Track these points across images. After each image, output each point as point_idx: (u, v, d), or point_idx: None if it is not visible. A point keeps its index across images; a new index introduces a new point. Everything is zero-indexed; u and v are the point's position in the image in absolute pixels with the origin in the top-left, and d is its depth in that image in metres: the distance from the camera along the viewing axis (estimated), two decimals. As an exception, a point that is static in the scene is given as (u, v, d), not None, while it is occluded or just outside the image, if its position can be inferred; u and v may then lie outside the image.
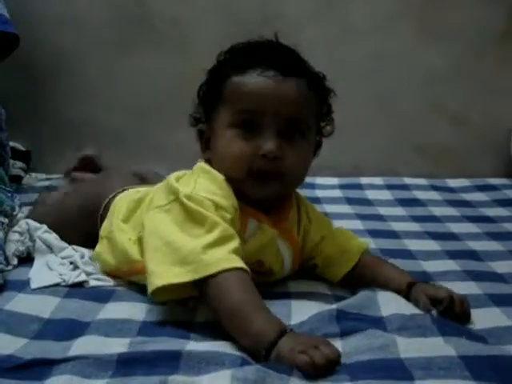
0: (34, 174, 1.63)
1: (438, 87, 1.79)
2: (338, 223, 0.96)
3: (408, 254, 1.07)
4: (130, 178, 1.10)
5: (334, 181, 1.66)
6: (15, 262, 0.95)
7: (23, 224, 1.01)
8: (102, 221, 0.97)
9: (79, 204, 1.03)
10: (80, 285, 0.88)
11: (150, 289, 0.73)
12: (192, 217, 0.76)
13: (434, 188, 1.63)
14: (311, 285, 0.90)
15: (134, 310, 0.77)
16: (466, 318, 0.78)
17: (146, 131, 1.77)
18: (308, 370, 0.60)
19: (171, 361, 0.63)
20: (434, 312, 0.75)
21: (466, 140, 1.81)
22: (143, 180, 1.11)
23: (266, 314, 0.69)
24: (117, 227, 0.92)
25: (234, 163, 0.82)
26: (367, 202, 1.48)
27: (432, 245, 1.13)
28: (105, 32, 1.76)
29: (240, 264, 0.72)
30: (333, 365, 0.62)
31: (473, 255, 1.07)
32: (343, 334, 0.70)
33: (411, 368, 0.61)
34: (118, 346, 0.67)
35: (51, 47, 1.75)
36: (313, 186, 1.56)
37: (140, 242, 0.84)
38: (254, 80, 0.82)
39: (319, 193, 1.53)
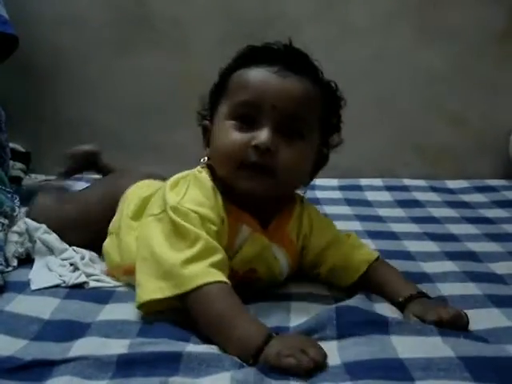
0: (33, 176, 1.62)
1: (437, 88, 1.79)
2: (337, 224, 0.96)
3: (407, 256, 1.07)
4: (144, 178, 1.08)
5: (334, 182, 1.66)
6: (15, 263, 0.95)
7: (22, 224, 1.01)
8: None
9: (98, 201, 1.02)
10: (80, 286, 0.88)
11: (137, 302, 0.75)
12: (176, 230, 0.76)
13: (433, 189, 1.63)
14: (311, 286, 0.90)
15: (134, 311, 0.77)
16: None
17: (146, 131, 1.78)
18: (295, 372, 0.60)
19: (171, 362, 0.63)
20: None
21: (465, 141, 1.81)
22: None
23: (249, 320, 0.69)
24: (125, 224, 0.92)
25: (227, 154, 0.81)
26: (367, 203, 1.49)
27: (431, 246, 1.13)
28: (104, 32, 1.76)
29: (219, 277, 0.72)
30: (319, 366, 0.62)
31: (472, 256, 1.07)
32: (342, 335, 0.70)
33: (411, 368, 0.61)
34: (118, 347, 0.67)
35: (51, 48, 1.75)
36: (312, 187, 1.56)
37: None
38: (256, 73, 0.81)
39: (319, 194, 1.54)
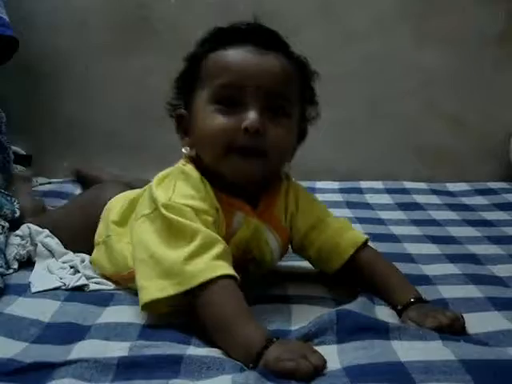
0: (35, 178, 1.62)
1: (437, 90, 1.79)
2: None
3: (408, 258, 1.06)
4: (125, 187, 1.07)
5: (334, 185, 1.66)
6: (16, 265, 0.95)
7: (25, 228, 1.01)
8: None
9: (80, 213, 1.02)
10: (80, 289, 0.88)
11: (140, 304, 0.74)
12: (172, 227, 0.75)
13: (434, 192, 1.63)
14: (310, 288, 0.89)
15: (135, 314, 0.77)
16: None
17: (147, 134, 1.77)
18: (294, 377, 0.60)
19: (172, 365, 0.63)
20: None
21: (466, 143, 1.81)
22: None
23: (252, 324, 0.68)
24: (113, 232, 0.91)
25: (214, 138, 0.78)
26: (367, 206, 1.49)
27: (432, 248, 1.13)
28: (105, 34, 1.76)
29: (225, 270, 0.71)
30: (319, 372, 0.61)
31: (473, 259, 1.06)
32: (342, 339, 0.70)
33: (412, 372, 0.61)
34: (118, 349, 0.67)
35: (51, 50, 1.75)
36: (313, 190, 1.56)
37: None
38: (234, 54, 0.80)
39: (319, 197, 1.53)
